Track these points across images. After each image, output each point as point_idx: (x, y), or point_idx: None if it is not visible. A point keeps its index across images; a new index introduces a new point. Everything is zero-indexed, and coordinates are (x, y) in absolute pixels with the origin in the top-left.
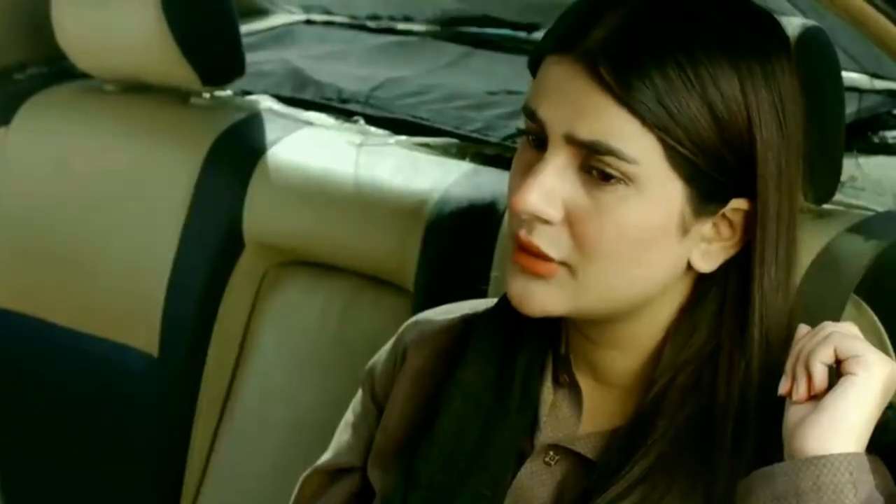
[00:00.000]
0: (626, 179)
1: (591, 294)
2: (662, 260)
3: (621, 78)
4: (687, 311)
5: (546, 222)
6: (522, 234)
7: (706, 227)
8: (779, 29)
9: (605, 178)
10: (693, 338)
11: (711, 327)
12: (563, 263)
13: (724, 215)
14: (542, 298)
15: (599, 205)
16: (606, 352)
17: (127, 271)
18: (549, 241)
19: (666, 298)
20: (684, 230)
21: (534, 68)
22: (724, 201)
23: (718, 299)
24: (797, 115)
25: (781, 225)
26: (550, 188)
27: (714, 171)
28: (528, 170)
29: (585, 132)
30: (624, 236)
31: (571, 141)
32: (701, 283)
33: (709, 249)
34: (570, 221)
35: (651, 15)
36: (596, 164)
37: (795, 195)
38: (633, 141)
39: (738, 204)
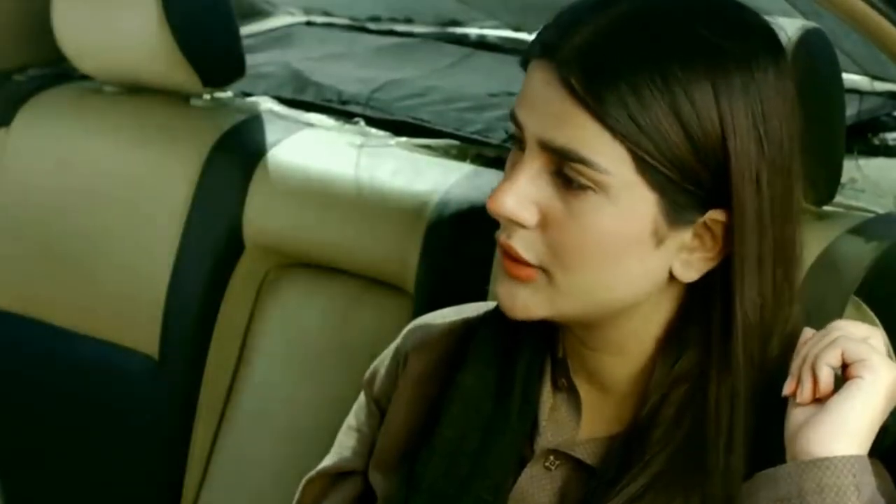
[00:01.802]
0: (597, 188)
1: (569, 299)
2: (639, 268)
3: (592, 89)
4: (676, 324)
5: (521, 226)
6: (503, 237)
7: (686, 237)
8: (767, 35)
9: (577, 185)
10: (684, 352)
11: (702, 342)
12: (540, 268)
13: (705, 225)
14: (524, 302)
15: (572, 211)
16: (600, 357)
17: (127, 273)
18: (526, 245)
19: (652, 307)
20: (659, 240)
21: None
22: (701, 212)
23: (707, 313)
24: (787, 123)
25: (765, 237)
26: (525, 192)
27: (687, 183)
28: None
29: (557, 139)
30: (595, 243)
31: (545, 146)
32: (690, 295)
33: (690, 259)
34: (545, 226)
35: (628, 26)
36: (568, 172)
37: (783, 205)
38: (603, 151)
39: (716, 215)
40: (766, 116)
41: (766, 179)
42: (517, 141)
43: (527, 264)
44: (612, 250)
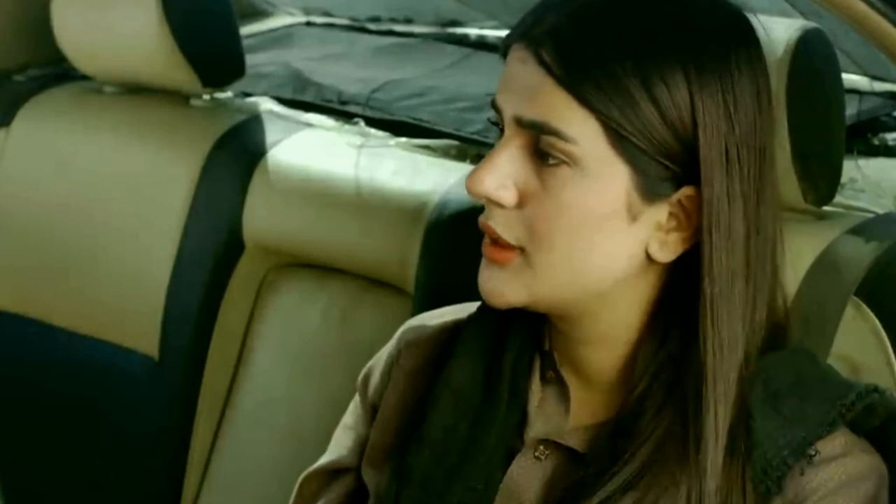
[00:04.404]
0: (570, 160)
1: (546, 282)
2: (614, 247)
3: (563, 62)
4: (657, 310)
5: (500, 206)
6: (482, 218)
7: (662, 216)
8: (738, 17)
9: (552, 160)
10: (666, 338)
11: (680, 326)
12: (519, 249)
13: (679, 203)
14: (501, 287)
15: (547, 187)
16: (584, 348)
17: (127, 273)
18: (504, 225)
19: (631, 291)
20: (633, 216)
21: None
22: (675, 188)
23: (684, 296)
24: (760, 104)
25: (735, 212)
26: (504, 171)
27: (658, 155)
28: None
29: (530, 113)
30: (569, 219)
31: (520, 123)
32: (669, 281)
33: (666, 239)
34: (523, 204)
35: (599, 5)
36: (543, 146)
37: (757, 184)
38: (574, 122)
39: (690, 191)
40: (736, 95)
41: (736, 156)
42: (499, 129)
43: (505, 245)
44: (587, 225)
